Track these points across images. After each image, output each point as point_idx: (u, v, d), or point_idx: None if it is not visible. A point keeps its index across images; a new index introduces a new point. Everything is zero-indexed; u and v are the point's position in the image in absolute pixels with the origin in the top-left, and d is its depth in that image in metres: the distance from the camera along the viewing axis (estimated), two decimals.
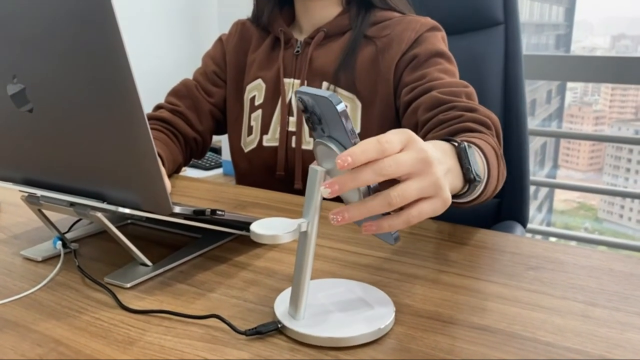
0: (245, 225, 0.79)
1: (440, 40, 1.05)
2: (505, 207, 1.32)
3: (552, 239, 2.18)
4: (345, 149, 0.53)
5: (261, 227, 0.55)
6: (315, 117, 0.55)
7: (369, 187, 0.54)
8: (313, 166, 0.56)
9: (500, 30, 1.31)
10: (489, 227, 1.31)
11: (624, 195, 2.60)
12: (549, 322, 0.58)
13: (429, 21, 1.06)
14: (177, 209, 0.62)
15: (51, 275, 0.69)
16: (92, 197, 0.67)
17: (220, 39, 1.21)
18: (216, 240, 0.78)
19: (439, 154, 0.58)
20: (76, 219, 0.86)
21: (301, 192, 1.04)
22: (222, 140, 2.16)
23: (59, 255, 0.74)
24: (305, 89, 0.55)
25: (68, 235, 0.80)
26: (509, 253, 0.75)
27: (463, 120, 0.87)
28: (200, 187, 1.09)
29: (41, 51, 0.60)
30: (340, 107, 0.50)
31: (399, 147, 0.53)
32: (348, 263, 0.72)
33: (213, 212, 0.67)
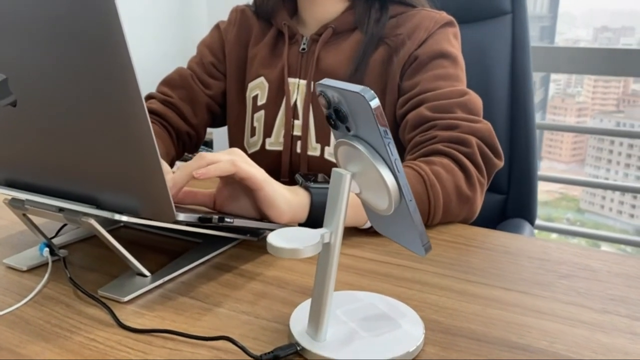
0: (250, 230, 0.73)
1: (448, 37, 0.97)
2: (511, 204, 1.27)
3: (554, 235, 2.15)
4: (375, 150, 0.47)
5: (280, 239, 0.48)
6: (341, 114, 0.48)
7: (400, 190, 0.48)
8: (338, 170, 0.50)
9: (508, 20, 1.26)
10: (495, 225, 1.26)
11: (613, 188, 2.57)
12: (593, 340, 0.53)
13: (443, 17, 0.98)
14: (181, 216, 0.56)
15: (38, 287, 0.62)
16: (83, 202, 0.60)
17: (218, 27, 1.13)
18: (219, 246, 0.71)
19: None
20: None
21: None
22: (213, 133, 2.08)
23: (47, 264, 0.67)
24: (329, 82, 0.48)
25: (56, 241, 0.73)
26: (537, 259, 0.70)
27: (435, 142, 0.86)
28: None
29: (28, 37, 0.53)
30: (374, 104, 0.44)
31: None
32: (366, 272, 0.67)
33: (221, 219, 0.60)
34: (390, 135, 0.46)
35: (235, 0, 1.26)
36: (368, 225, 0.78)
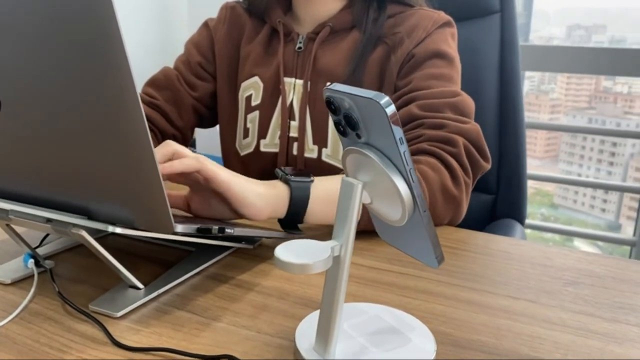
0: (246, 237, 0.70)
1: (446, 38, 0.96)
2: (500, 204, 1.26)
3: (547, 235, 2.16)
4: (389, 158, 0.45)
5: (287, 254, 0.46)
6: (352, 120, 0.46)
7: (414, 198, 0.46)
8: (348, 179, 0.47)
9: (496, 19, 1.25)
10: (485, 226, 1.25)
11: (592, 186, 2.60)
12: (607, 351, 0.52)
13: (441, 16, 0.97)
14: (179, 228, 0.53)
15: (24, 302, 0.59)
16: (72, 212, 0.57)
17: (206, 25, 1.08)
18: (213, 255, 0.69)
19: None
20: None
21: None
22: (197, 133, 2.03)
23: (32, 276, 0.64)
24: (338, 86, 0.46)
25: (41, 250, 0.69)
26: (539, 265, 0.69)
27: (422, 140, 0.85)
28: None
29: (15, 37, 0.50)
30: (390, 110, 0.42)
31: None
32: (368, 281, 0.64)
33: (221, 229, 0.57)
34: (406, 144, 0.43)
35: None
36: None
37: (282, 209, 0.73)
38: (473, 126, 0.86)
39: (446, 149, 0.82)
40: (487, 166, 0.86)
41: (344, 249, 0.47)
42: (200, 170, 0.67)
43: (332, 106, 0.47)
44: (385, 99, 0.42)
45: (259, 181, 0.72)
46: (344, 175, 0.49)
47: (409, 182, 0.44)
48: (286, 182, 0.73)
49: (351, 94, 0.44)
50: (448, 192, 0.80)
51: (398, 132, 0.43)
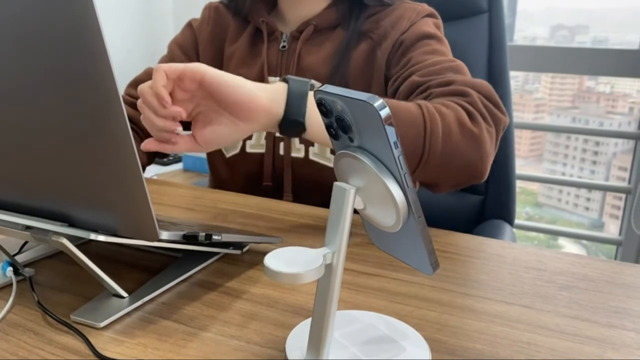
0: (233, 243, 0.68)
1: (429, 24, 0.96)
2: (489, 204, 1.26)
3: (531, 233, 2.17)
4: (382, 162, 0.44)
5: (277, 263, 0.44)
6: (344, 123, 0.44)
7: (409, 207, 0.44)
8: (340, 184, 0.46)
9: (484, 19, 1.24)
10: (474, 226, 1.25)
11: (580, 186, 2.61)
12: (605, 358, 0.51)
13: (425, 8, 0.97)
14: (164, 235, 0.51)
15: (2, 313, 0.56)
16: (52, 218, 0.54)
17: (190, 25, 1.06)
18: (200, 260, 0.67)
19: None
20: None
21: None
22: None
23: (10, 285, 0.61)
24: (330, 88, 0.44)
25: (20, 258, 0.66)
26: (533, 269, 0.68)
27: (431, 97, 0.80)
28: (171, 192, 0.97)
29: None
30: (384, 113, 0.40)
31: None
32: (359, 287, 0.63)
33: (208, 236, 0.56)
34: (400, 148, 0.42)
35: None
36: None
37: (279, 102, 0.70)
38: (481, 81, 0.83)
39: (460, 101, 0.77)
40: (506, 119, 0.81)
41: (336, 257, 0.45)
42: (186, 70, 0.66)
43: (323, 108, 0.46)
44: (379, 102, 0.40)
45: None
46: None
47: (404, 188, 0.43)
48: (284, 80, 0.72)
49: (344, 96, 0.43)
50: (465, 126, 0.74)
51: (392, 135, 0.41)
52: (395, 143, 0.41)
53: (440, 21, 0.98)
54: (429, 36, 0.92)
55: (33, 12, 0.45)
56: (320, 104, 0.46)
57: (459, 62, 0.88)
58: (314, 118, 0.71)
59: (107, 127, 0.47)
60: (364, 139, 0.44)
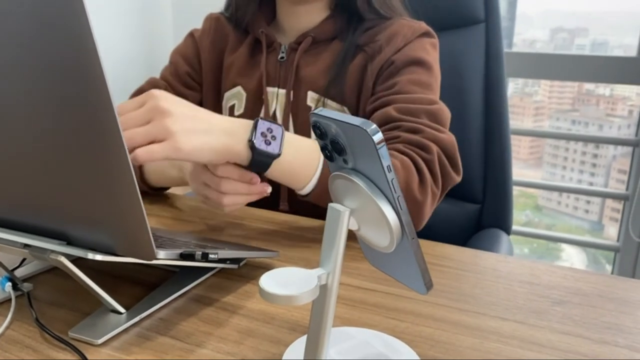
0: (231, 258, 0.69)
1: (425, 46, 0.96)
2: (486, 213, 1.26)
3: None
4: (376, 185, 0.44)
5: (272, 284, 0.45)
6: (338, 146, 0.45)
7: (402, 226, 0.45)
8: (335, 206, 0.46)
9: (481, 29, 1.25)
10: (471, 235, 1.25)
11: (579, 192, 2.62)
12: None
13: (422, 27, 0.97)
14: (161, 254, 0.51)
15: (1, 329, 0.57)
16: (50, 237, 0.55)
17: (192, 35, 1.08)
18: (197, 275, 0.67)
19: (187, 110, 0.66)
20: None
21: (286, 213, 0.94)
22: None
23: (9, 300, 0.62)
24: (324, 112, 0.45)
25: (19, 272, 0.67)
26: (527, 283, 0.68)
27: (397, 142, 0.84)
28: (167, 203, 0.97)
29: None
30: (377, 138, 0.41)
31: (136, 107, 0.65)
32: (355, 302, 0.63)
33: (204, 255, 0.56)
34: (394, 172, 0.43)
35: (200, 6, 1.21)
36: (307, 190, 0.78)
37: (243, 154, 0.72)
38: (448, 136, 0.85)
39: (420, 154, 0.81)
40: (458, 179, 0.86)
41: (331, 278, 0.46)
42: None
43: (318, 131, 0.46)
44: (372, 127, 0.41)
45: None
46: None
47: (397, 210, 0.44)
48: (251, 147, 0.71)
49: (338, 120, 0.43)
50: (411, 194, 0.78)
51: (386, 160, 0.42)
52: (388, 167, 0.42)
53: (436, 40, 0.99)
54: (420, 63, 0.93)
55: (28, 29, 0.45)
56: (315, 127, 0.46)
57: (437, 107, 0.88)
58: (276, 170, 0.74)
59: (103, 147, 0.47)
60: (358, 161, 0.45)
